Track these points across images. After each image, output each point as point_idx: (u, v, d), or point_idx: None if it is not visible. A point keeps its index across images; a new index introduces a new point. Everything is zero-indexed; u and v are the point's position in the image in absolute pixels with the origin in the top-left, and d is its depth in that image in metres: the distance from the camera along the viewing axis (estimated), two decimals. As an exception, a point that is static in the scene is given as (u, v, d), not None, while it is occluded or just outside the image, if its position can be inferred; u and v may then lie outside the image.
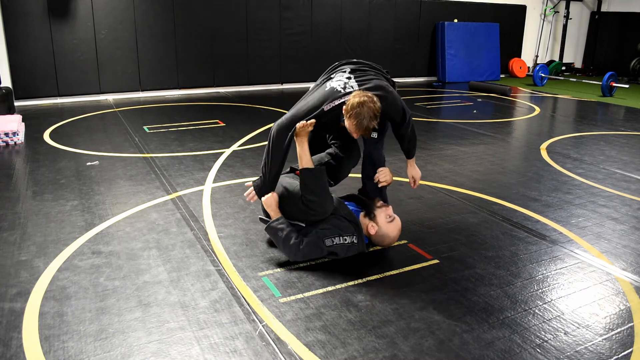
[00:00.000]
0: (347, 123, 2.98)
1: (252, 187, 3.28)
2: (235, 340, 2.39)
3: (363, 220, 3.21)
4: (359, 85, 3.08)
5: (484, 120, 7.69)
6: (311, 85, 3.43)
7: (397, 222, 3.24)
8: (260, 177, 3.20)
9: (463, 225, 3.75)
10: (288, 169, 3.52)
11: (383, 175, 3.36)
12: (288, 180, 3.28)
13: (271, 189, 3.18)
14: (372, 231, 3.16)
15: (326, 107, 3.03)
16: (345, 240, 3.06)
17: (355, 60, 3.36)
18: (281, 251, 3.13)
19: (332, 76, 3.22)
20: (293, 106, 3.23)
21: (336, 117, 3.10)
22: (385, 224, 3.17)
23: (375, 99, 2.94)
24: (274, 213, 3.15)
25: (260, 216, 3.40)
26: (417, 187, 3.64)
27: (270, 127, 3.18)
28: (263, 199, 3.17)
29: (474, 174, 4.99)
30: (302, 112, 3.08)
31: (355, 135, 3.04)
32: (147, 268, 3.05)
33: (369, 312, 2.64)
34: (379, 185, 3.41)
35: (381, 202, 3.27)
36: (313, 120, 3.02)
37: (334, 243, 3.04)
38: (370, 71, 3.25)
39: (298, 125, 3.00)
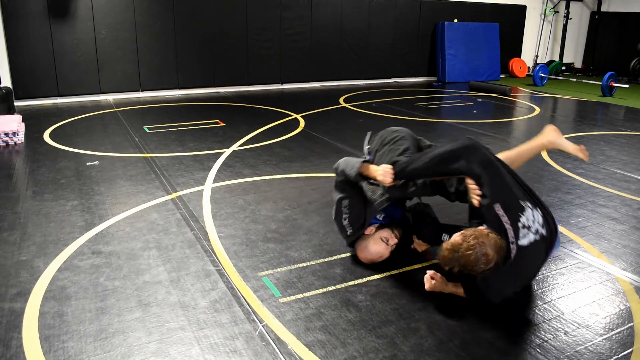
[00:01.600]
0: (453, 244, 2.47)
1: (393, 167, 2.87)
2: (235, 340, 2.39)
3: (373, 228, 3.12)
4: (516, 239, 2.42)
5: (484, 120, 7.68)
6: (395, 132, 3.13)
7: (371, 247, 3.05)
8: (407, 160, 2.83)
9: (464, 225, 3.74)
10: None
11: (419, 246, 3.26)
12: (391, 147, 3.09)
13: (400, 176, 2.82)
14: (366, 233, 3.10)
15: (497, 209, 2.47)
16: (344, 222, 3.04)
17: (542, 207, 2.63)
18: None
19: (530, 205, 2.51)
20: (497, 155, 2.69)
21: (483, 214, 2.65)
22: (369, 238, 3.06)
23: (497, 265, 2.40)
24: (374, 175, 2.88)
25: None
26: None
27: (460, 142, 2.69)
28: (385, 168, 2.84)
29: (474, 174, 4.98)
30: (482, 181, 2.53)
31: (442, 256, 2.52)
32: (147, 268, 3.05)
33: (369, 312, 2.64)
34: (411, 246, 3.30)
35: (396, 232, 3.11)
36: (479, 197, 2.57)
37: (342, 215, 3.02)
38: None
39: (470, 184, 2.59)
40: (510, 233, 2.41)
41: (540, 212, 2.52)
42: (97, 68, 8.85)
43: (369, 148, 3.23)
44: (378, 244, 3.06)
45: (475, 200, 2.56)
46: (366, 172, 2.94)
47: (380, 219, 3.18)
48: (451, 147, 2.65)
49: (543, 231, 2.45)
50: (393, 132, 3.21)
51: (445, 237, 3.06)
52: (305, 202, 4.14)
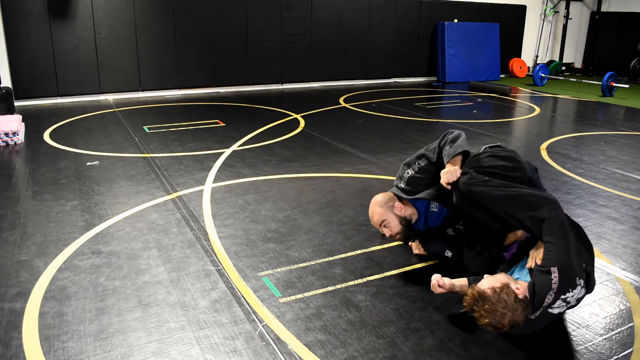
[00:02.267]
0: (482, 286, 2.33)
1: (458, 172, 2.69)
2: (235, 340, 2.39)
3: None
4: (549, 307, 2.33)
5: (484, 120, 7.68)
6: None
7: (374, 200, 3.12)
8: (482, 180, 2.59)
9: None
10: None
11: (417, 249, 3.24)
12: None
13: (463, 188, 2.65)
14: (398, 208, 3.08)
15: (552, 272, 2.29)
16: (405, 173, 3.05)
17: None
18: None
19: (582, 284, 2.38)
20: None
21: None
22: (391, 210, 3.05)
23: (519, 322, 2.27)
24: (445, 165, 2.82)
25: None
26: None
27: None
28: (453, 169, 2.70)
29: (474, 174, 4.98)
30: (549, 241, 2.37)
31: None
32: (147, 268, 3.05)
33: (369, 312, 2.64)
34: (409, 243, 3.31)
35: (399, 236, 3.12)
36: (538, 262, 2.43)
37: (410, 167, 3.04)
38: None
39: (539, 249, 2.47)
40: (549, 300, 2.28)
41: (585, 288, 2.43)
42: (97, 68, 8.85)
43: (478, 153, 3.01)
44: (380, 220, 3.03)
45: (532, 263, 2.43)
46: (450, 159, 2.77)
47: (432, 208, 3.08)
48: (534, 192, 2.46)
49: (574, 302, 2.42)
50: (511, 160, 2.85)
51: (448, 252, 3.03)
52: (305, 202, 4.14)
